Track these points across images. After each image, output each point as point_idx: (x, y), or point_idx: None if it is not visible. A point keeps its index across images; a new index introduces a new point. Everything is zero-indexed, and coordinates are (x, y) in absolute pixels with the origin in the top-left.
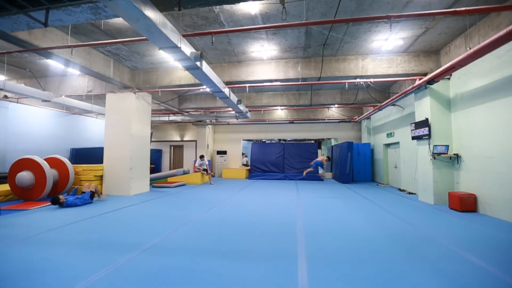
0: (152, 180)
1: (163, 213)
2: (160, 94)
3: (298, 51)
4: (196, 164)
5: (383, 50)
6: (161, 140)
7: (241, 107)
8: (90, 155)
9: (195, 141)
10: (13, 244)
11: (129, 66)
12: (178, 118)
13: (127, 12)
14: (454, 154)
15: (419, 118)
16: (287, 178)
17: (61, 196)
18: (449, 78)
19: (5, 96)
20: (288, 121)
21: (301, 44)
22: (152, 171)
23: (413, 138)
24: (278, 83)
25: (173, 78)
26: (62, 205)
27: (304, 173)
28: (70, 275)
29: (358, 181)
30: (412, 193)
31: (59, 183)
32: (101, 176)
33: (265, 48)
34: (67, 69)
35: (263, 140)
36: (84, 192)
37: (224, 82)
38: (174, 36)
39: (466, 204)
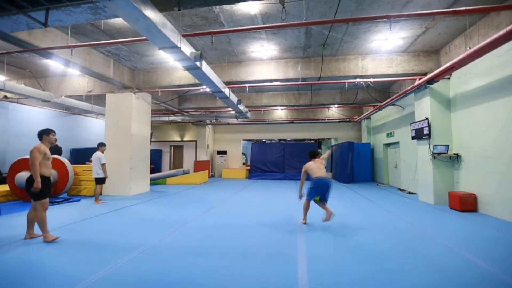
0: (152, 180)
1: (163, 213)
2: (160, 94)
3: (298, 51)
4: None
5: (383, 50)
6: (161, 140)
7: (241, 107)
8: (90, 156)
9: (195, 141)
10: (13, 244)
11: (129, 66)
12: (178, 118)
13: (127, 12)
14: (454, 154)
15: (419, 118)
16: (287, 178)
17: None
18: (449, 78)
19: (5, 97)
20: (288, 121)
21: (301, 44)
22: (152, 171)
23: (413, 138)
24: (278, 83)
25: (173, 78)
26: None
27: None
28: (70, 275)
29: (358, 181)
30: (412, 193)
31: (59, 183)
32: None
33: (265, 48)
34: (67, 69)
35: (263, 140)
36: None
37: (224, 82)
38: (174, 36)
39: (466, 203)
